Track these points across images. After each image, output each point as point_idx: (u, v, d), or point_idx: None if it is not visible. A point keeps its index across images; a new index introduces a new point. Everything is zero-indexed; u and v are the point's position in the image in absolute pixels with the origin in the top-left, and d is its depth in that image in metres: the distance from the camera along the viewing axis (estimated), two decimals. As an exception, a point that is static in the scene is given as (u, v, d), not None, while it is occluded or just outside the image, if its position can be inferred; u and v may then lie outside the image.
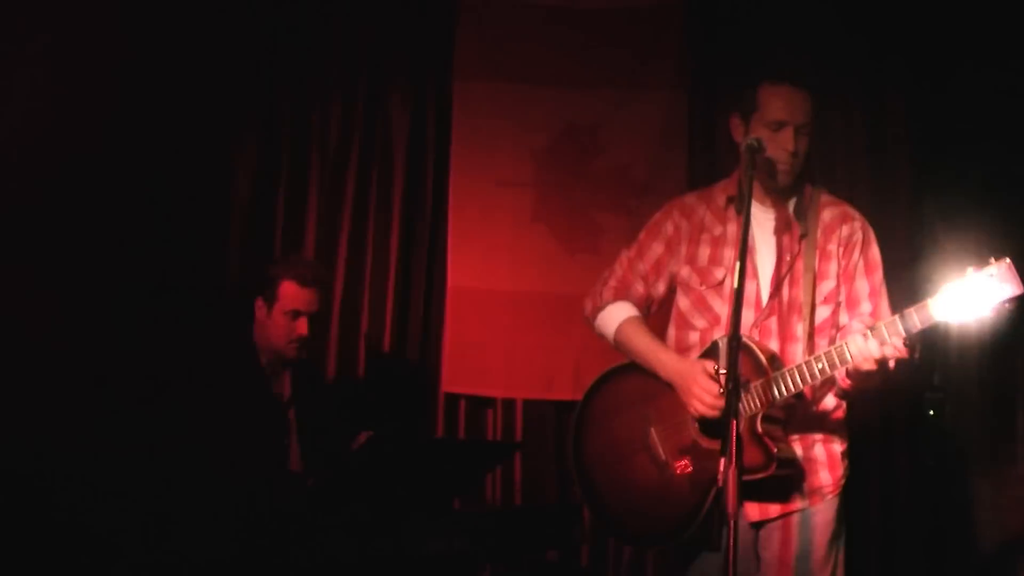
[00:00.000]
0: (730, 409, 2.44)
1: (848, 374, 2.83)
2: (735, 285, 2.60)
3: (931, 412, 4.73)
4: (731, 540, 2.37)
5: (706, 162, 4.75)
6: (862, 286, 3.03)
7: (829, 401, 3.05)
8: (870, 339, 2.70)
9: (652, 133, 4.72)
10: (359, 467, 2.99)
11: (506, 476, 4.57)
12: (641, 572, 4.58)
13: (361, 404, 4.52)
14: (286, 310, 3.70)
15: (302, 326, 3.70)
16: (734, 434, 2.41)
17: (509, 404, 4.65)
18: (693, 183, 4.66)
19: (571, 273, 4.65)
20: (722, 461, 2.39)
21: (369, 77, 4.70)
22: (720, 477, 2.38)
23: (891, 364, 2.72)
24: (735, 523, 2.38)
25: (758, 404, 2.85)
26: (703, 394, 2.88)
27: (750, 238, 3.01)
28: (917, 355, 2.78)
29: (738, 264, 2.62)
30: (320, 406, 3.90)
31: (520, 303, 4.65)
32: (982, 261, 2.61)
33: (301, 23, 4.70)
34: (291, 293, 3.70)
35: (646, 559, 4.57)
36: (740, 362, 2.83)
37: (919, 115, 4.70)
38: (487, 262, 4.66)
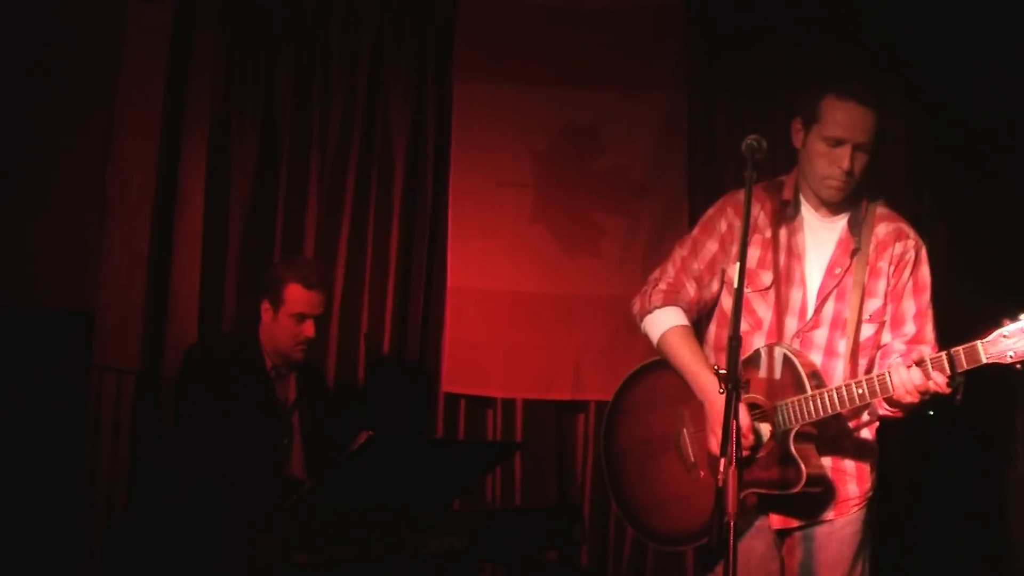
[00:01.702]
0: (729, 409, 2.43)
1: (886, 400, 2.79)
2: (735, 286, 2.59)
3: (931, 412, 4.73)
4: (731, 540, 2.36)
5: (706, 163, 4.76)
6: (908, 306, 2.96)
7: (863, 415, 3.00)
8: (914, 371, 2.66)
9: (652, 134, 4.72)
10: (359, 467, 2.99)
11: (506, 476, 4.56)
12: (641, 572, 4.58)
13: (361, 404, 4.53)
14: (292, 313, 3.69)
15: (308, 328, 3.70)
16: (734, 434, 2.40)
17: (509, 404, 4.65)
18: (693, 184, 4.68)
19: (571, 273, 4.66)
20: (722, 461, 2.39)
21: (369, 77, 4.70)
22: (720, 477, 2.38)
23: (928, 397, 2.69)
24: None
25: (793, 421, 2.80)
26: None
27: (800, 245, 2.99)
28: (959, 396, 2.72)
29: (737, 265, 2.61)
30: (323, 409, 3.90)
31: (520, 303, 4.64)
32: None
33: (301, 23, 4.70)
34: (297, 296, 3.70)
35: (646, 559, 4.57)
36: (780, 373, 2.83)
37: (919, 115, 4.71)
38: (487, 262, 4.65)
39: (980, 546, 4.52)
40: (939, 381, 2.65)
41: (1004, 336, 2.57)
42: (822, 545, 2.95)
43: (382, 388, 4.58)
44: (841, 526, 2.96)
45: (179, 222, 4.56)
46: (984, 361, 2.59)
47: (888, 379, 2.70)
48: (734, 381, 2.46)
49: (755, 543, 2.94)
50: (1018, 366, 2.56)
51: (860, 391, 2.73)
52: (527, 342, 4.62)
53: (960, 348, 2.62)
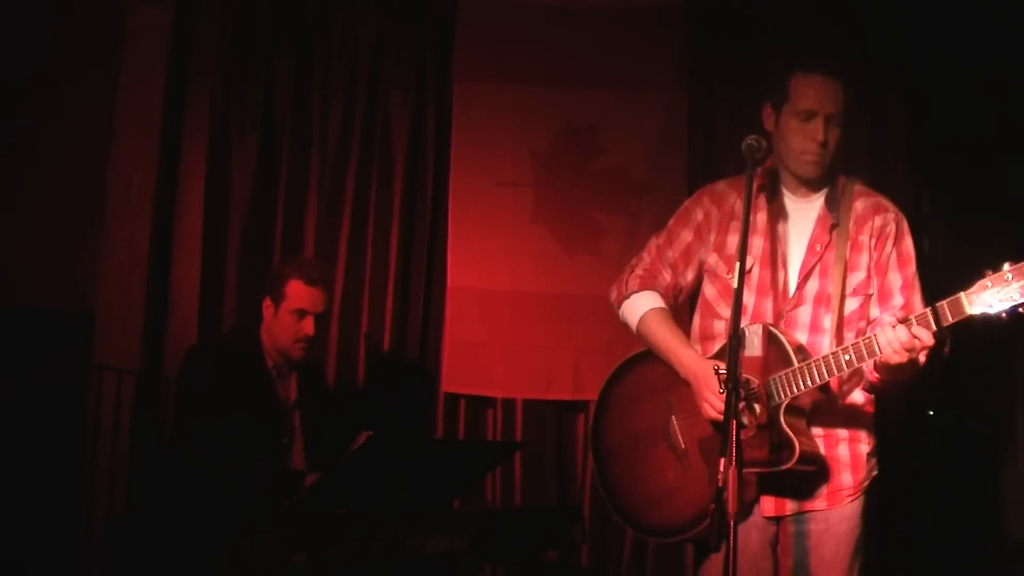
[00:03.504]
0: (730, 409, 2.42)
1: (876, 367, 2.77)
2: (735, 286, 2.58)
3: (931, 412, 4.73)
4: (731, 540, 2.36)
5: (705, 163, 4.75)
6: (894, 279, 2.96)
7: (857, 397, 2.97)
8: (899, 329, 2.64)
9: (652, 134, 4.72)
10: (359, 467, 2.99)
11: (506, 476, 4.56)
12: (641, 572, 4.58)
13: (361, 404, 4.53)
14: (292, 309, 3.70)
15: (308, 325, 3.70)
16: (734, 434, 2.40)
17: (509, 404, 4.65)
18: (693, 183, 4.66)
19: (570, 273, 4.66)
20: (722, 461, 2.38)
21: (369, 77, 4.70)
22: (720, 477, 2.37)
23: (921, 358, 2.67)
24: (739, 518, 2.35)
25: (782, 395, 2.79)
26: (714, 399, 2.82)
27: (780, 227, 2.99)
28: (947, 350, 2.71)
29: (737, 265, 2.60)
30: (324, 408, 3.90)
31: (519, 303, 4.64)
32: (1018, 257, 2.54)
33: (301, 23, 4.70)
34: (298, 292, 3.70)
35: (646, 559, 4.57)
36: (764, 349, 2.82)
37: (919, 113, 4.71)
38: (487, 262, 4.65)
39: (980, 546, 4.52)
40: (923, 336, 2.62)
41: (987, 286, 2.55)
42: (819, 543, 2.92)
43: (382, 388, 4.58)
44: (836, 522, 2.92)
45: (179, 222, 4.57)
46: (968, 312, 2.57)
47: (874, 341, 2.68)
48: (734, 381, 2.45)
49: (747, 540, 2.87)
50: (1004, 315, 2.54)
51: (847, 357, 2.72)
52: (527, 342, 4.62)
53: (944, 302, 2.61)
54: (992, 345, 4.46)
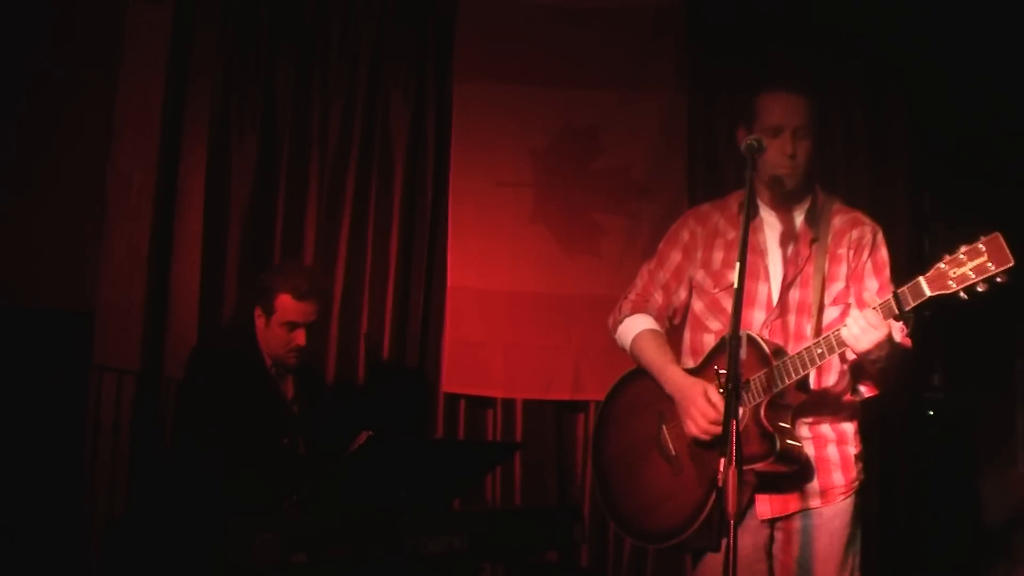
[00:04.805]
0: (730, 410, 2.45)
1: (865, 365, 2.88)
2: (735, 286, 2.63)
3: (931, 412, 4.74)
4: (731, 540, 2.37)
5: (705, 163, 4.76)
6: (871, 284, 3.06)
7: (844, 403, 3.08)
8: (865, 313, 2.75)
9: (651, 134, 4.72)
10: (359, 467, 2.99)
11: (506, 476, 4.57)
12: (641, 572, 4.59)
13: (361, 404, 4.53)
14: (283, 322, 3.69)
15: (299, 337, 3.70)
16: (734, 434, 2.42)
17: (509, 404, 4.65)
18: (692, 184, 4.68)
19: (571, 273, 4.66)
20: (722, 461, 2.40)
21: (369, 77, 4.71)
22: (720, 477, 2.39)
23: (883, 339, 2.75)
24: (734, 523, 2.37)
25: (762, 392, 2.88)
26: (699, 417, 2.94)
27: (762, 242, 3.10)
28: (906, 330, 2.89)
29: (738, 265, 2.65)
30: (322, 406, 3.90)
31: (520, 303, 4.65)
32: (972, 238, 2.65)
33: (301, 23, 4.70)
34: (287, 306, 3.69)
35: (646, 559, 4.57)
36: (745, 354, 2.89)
37: (919, 115, 4.71)
38: (487, 262, 4.66)
39: (979, 546, 4.53)
40: (871, 319, 2.73)
41: (942, 268, 2.66)
42: (813, 538, 3.01)
43: (382, 388, 4.58)
44: (830, 518, 3.01)
45: (179, 222, 4.57)
46: (928, 294, 2.68)
47: (843, 329, 2.78)
48: (734, 381, 2.49)
49: (740, 544, 2.92)
50: (962, 294, 2.64)
51: (819, 351, 2.84)
52: (527, 342, 4.63)
53: (905, 287, 2.72)
54: (992, 345, 4.47)
